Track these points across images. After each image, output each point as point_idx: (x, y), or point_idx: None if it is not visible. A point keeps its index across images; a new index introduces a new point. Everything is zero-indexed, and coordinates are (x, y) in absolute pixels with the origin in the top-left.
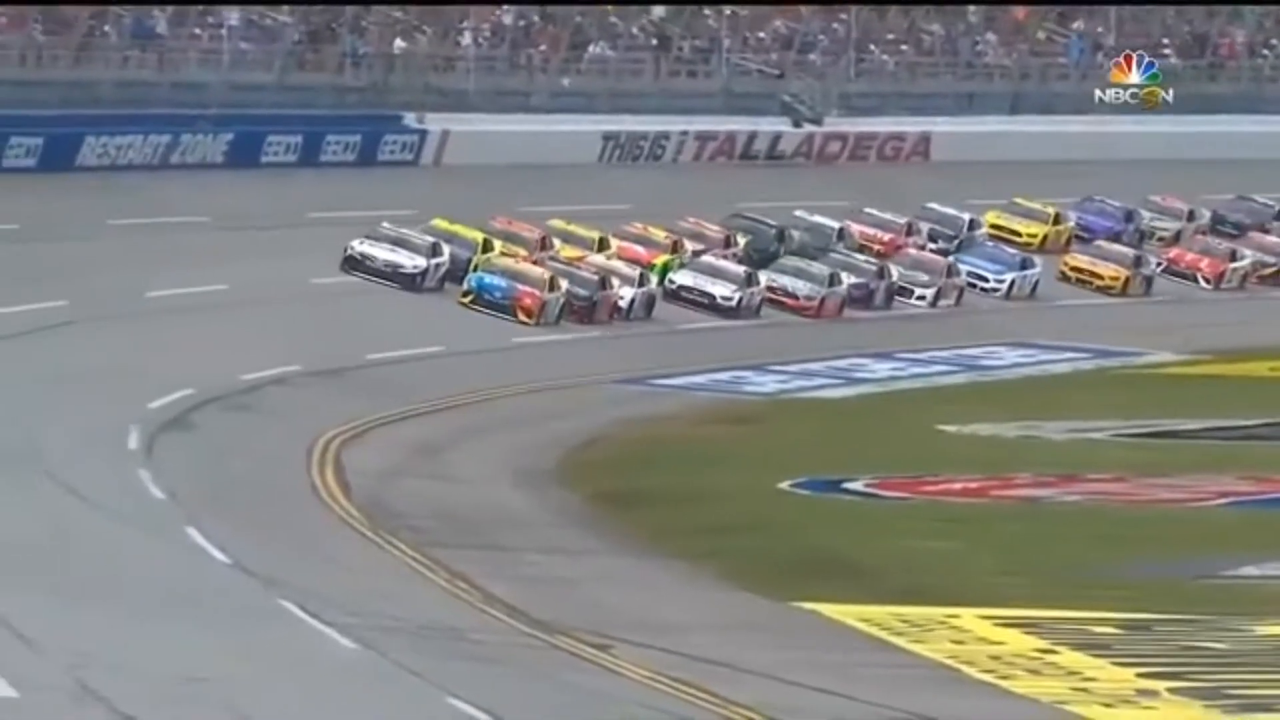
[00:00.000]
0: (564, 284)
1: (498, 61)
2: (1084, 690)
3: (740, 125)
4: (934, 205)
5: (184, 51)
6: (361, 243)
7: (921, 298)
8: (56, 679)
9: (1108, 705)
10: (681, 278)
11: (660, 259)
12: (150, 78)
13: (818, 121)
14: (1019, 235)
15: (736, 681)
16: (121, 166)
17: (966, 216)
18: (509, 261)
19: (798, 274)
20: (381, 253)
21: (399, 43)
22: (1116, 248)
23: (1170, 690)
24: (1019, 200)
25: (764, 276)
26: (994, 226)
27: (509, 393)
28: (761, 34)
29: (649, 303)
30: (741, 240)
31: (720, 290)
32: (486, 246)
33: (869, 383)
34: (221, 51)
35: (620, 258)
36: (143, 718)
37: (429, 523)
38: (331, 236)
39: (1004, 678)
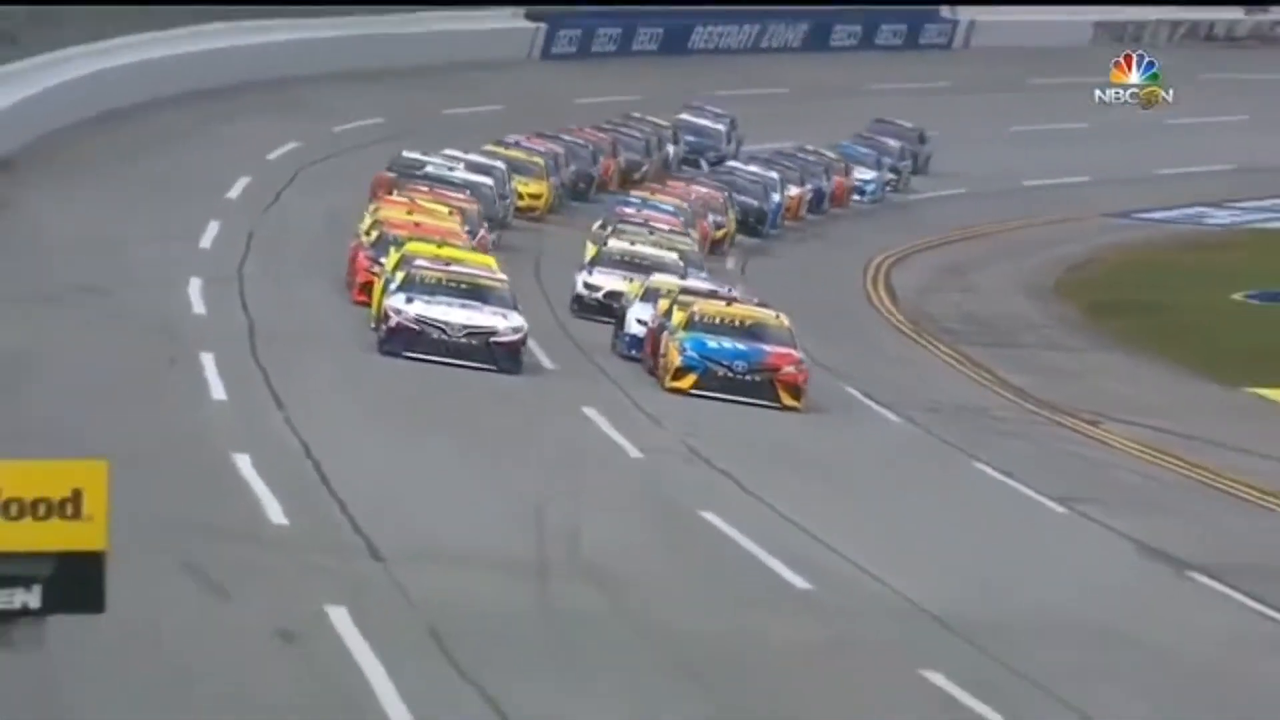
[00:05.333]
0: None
1: None
2: None
3: None
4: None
5: None
6: (411, 300)
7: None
8: (671, 445)
9: None
10: (591, 277)
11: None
12: None
13: None
14: (520, 197)
15: (1199, 450)
16: (723, 50)
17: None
18: (718, 304)
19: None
20: (450, 314)
21: None
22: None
23: None
24: (493, 147)
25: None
26: None
27: (1015, 226)
28: None
29: None
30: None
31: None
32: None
33: None
34: None
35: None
36: (734, 472)
37: (960, 326)
38: (884, 106)
39: None
